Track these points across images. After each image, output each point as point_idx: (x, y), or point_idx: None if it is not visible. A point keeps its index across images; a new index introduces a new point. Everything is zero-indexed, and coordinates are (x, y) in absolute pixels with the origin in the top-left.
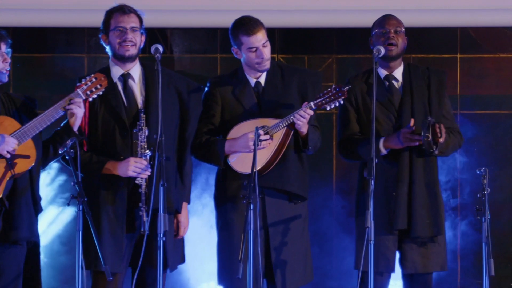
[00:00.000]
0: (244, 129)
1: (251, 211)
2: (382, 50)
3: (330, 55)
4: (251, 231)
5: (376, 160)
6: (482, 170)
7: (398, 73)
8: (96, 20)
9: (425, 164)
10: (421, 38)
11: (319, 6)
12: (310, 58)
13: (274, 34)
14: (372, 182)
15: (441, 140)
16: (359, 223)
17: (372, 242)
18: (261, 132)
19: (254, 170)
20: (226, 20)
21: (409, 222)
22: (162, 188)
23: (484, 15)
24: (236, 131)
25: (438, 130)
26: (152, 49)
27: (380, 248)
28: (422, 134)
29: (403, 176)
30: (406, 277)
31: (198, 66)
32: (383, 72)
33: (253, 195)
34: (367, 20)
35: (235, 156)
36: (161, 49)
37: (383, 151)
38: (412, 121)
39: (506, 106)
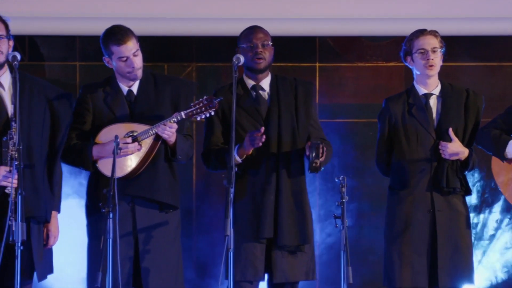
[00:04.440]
0: (113, 133)
1: (110, 220)
2: (242, 59)
3: (190, 63)
4: (110, 240)
5: (236, 169)
6: (340, 178)
7: (266, 83)
8: None
9: (292, 173)
10: (280, 47)
11: (179, 14)
12: (170, 66)
13: None
14: (232, 190)
15: (322, 159)
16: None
17: (232, 251)
18: (128, 139)
19: (114, 177)
20: (85, 28)
21: (276, 230)
22: (20, 196)
23: (342, 24)
24: (105, 134)
25: (320, 151)
26: (10, 57)
27: (248, 256)
28: (311, 158)
29: (270, 185)
30: (273, 286)
31: (56, 74)
32: (250, 82)
33: (113, 203)
34: (227, 28)
35: (103, 160)
36: (18, 56)
37: (239, 160)
38: (262, 129)
39: (365, 115)
